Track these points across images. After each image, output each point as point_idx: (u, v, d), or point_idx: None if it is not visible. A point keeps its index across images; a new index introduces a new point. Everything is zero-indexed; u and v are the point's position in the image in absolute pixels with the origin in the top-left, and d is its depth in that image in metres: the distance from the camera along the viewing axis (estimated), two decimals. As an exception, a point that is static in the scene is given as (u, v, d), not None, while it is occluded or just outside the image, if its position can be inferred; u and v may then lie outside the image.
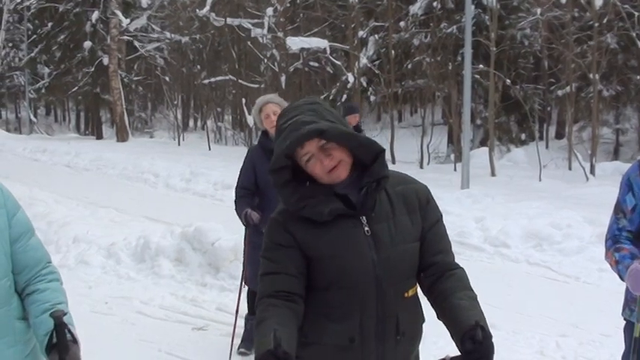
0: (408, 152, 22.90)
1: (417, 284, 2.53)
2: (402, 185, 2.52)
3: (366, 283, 2.38)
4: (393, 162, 21.58)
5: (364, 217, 2.40)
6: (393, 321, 2.43)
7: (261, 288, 2.43)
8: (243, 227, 5.93)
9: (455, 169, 19.81)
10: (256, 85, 28.29)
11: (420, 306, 2.57)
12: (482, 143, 23.33)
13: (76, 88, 32.69)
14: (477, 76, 21.92)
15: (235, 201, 5.83)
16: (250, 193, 5.76)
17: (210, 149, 26.75)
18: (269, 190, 5.53)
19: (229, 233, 8.63)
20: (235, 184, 5.88)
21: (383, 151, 2.43)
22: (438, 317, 2.45)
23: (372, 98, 26.15)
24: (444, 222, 2.58)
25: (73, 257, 9.27)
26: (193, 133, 39.03)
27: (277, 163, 2.37)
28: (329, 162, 2.36)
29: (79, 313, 7.08)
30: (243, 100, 27.15)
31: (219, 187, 15.69)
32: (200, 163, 19.40)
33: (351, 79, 24.14)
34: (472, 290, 2.42)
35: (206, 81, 32.32)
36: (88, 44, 31.52)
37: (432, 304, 2.49)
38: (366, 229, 2.40)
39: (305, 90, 31.70)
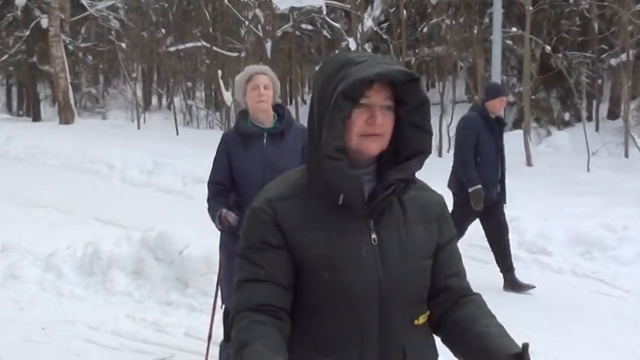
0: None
1: (429, 311, 2.52)
2: (415, 191, 2.51)
3: (367, 306, 2.35)
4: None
5: (371, 222, 2.39)
6: (399, 355, 2.41)
7: (238, 299, 2.39)
8: (219, 232, 5.87)
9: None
10: (235, 54, 27.97)
11: (433, 338, 2.56)
12: (516, 125, 23.24)
13: (6, 56, 32.47)
14: (509, 42, 21.87)
15: (208, 199, 5.85)
16: (226, 190, 5.80)
17: (177, 134, 26.60)
18: (248, 185, 5.54)
19: (201, 239, 8.54)
20: (208, 178, 5.90)
21: (429, 152, 2.45)
22: (455, 353, 2.45)
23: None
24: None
25: (0, 271, 9.15)
26: (157, 114, 38.91)
27: (351, 90, 2.30)
28: (381, 121, 2.35)
29: (7, 341, 6.98)
30: (219, 73, 26.30)
31: (189, 180, 15.74)
32: (165, 151, 19.30)
33: (352, 45, 23.47)
34: (496, 318, 2.44)
35: (172, 48, 32.13)
36: (21, 2, 31.32)
37: (443, 339, 2.50)
38: (373, 236, 2.38)
39: (296, 59, 31.58)
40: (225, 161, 5.81)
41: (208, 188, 5.90)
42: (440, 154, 21.02)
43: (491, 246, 9.09)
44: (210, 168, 5.92)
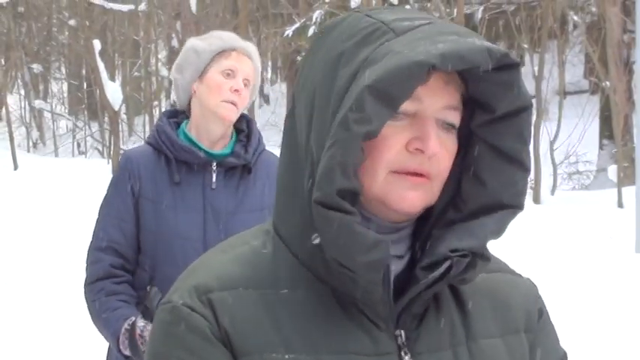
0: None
1: None
2: (486, 275, 1.65)
3: None
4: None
5: (402, 334, 1.53)
6: None
7: None
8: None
9: (620, 205, 13.39)
10: (127, 7, 20.16)
11: None
12: None
13: None
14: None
15: (90, 289, 3.42)
16: (127, 268, 3.45)
17: (16, 167, 19.35)
18: (175, 261, 3.32)
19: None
20: (89, 245, 3.52)
21: (521, 206, 1.57)
22: None
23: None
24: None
25: None
26: None
27: (390, 85, 1.40)
28: (436, 149, 1.47)
29: None
30: (97, 45, 17.40)
31: (37, 251, 11.26)
32: None
33: None
34: None
35: None
36: None
37: None
38: None
39: (246, 20, 20.17)
40: (128, 209, 3.45)
41: (90, 265, 3.46)
42: (537, 199, 14.34)
43: None
44: (96, 223, 3.53)
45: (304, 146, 1.53)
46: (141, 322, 3.23)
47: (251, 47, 3.61)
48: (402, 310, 1.54)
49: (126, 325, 3.25)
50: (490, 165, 1.54)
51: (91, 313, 3.42)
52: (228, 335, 1.51)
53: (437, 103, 1.47)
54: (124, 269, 3.42)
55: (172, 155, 3.41)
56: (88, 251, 3.47)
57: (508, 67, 1.45)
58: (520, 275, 1.76)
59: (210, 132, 3.45)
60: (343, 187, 1.42)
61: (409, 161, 1.47)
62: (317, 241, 1.48)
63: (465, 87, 1.51)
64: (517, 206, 1.54)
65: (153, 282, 3.39)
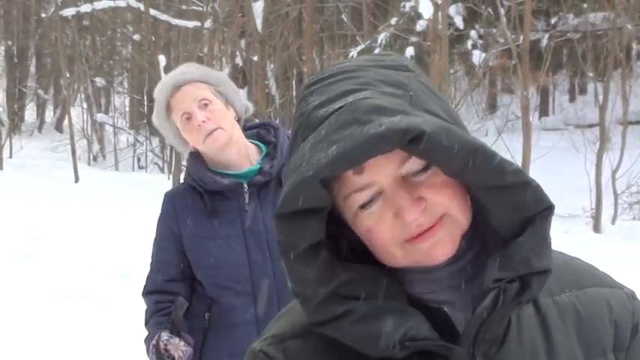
0: (568, 188, 14.81)
1: None
2: (575, 289, 1.59)
3: None
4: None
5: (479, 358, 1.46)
6: None
7: None
8: None
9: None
10: (192, 23, 20.38)
11: None
12: None
13: None
14: None
15: (147, 321, 3.57)
16: (172, 298, 3.49)
17: (77, 179, 19.91)
18: (222, 287, 3.41)
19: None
20: (144, 286, 3.62)
21: (550, 207, 1.44)
22: None
23: (477, 56, 16.54)
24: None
25: None
26: (34, 139, 29.39)
27: (297, 198, 1.38)
28: (417, 214, 1.40)
29: None
30: (162, 60, 17.92)
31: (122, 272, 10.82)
32: (54, 218, 13.88)
33: (426, 9, 14.41)
34: None
35: (67, 12, 22.49)
36: None
37: None
38: None
39: (311, 40, 18.60)
40: (172, 253, 3.48)
41: (147, 303, 3.57)
42: (597, 229, 14.12)
43: None
44: (150, 263, 3.58)
45: None
46: (165, 336, 3.27)
47: (186, 72, 3.44)
48: (474, 335, 1.46)
49: (153, 342, 3.31)
50: (491, 200, 1.45)
51: (146, 326, 3.52)
52: None
53: (387, 177, 1.41)
54: (171, 296, 3.44)
55: (203, 189, 3.38)
56: (143, 292, 3.55)
57: (415, 140, 1.33)
58: (620, 287, 1.65)
59: (225, 161, 3.38)
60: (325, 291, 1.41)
61: (408, 229, 1.41)
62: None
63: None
64: (543, 208, 1.45)
65: (210, 311, 3.40)
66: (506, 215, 1.44)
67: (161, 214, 3.50)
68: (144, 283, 3.55)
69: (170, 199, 3.48)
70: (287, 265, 1.43)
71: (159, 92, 3.40)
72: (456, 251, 1.44)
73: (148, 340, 3.38)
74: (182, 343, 3.26)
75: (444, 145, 1.34)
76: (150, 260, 3.54)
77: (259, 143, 3.47)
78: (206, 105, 3.29)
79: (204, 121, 3.26)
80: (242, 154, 3.37)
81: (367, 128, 1.32)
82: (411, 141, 1.32)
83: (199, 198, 3.38)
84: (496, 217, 1.45)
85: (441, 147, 1.34)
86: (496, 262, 1.44)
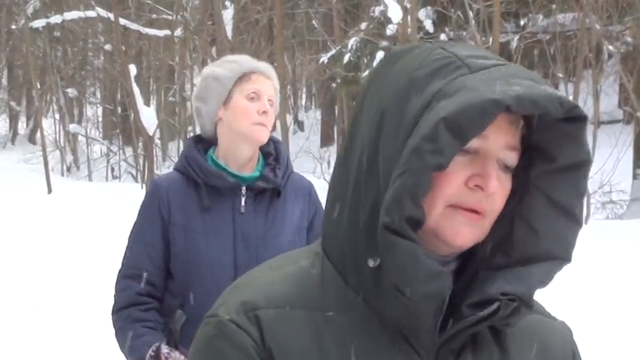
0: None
1: None
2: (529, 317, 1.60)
3: None
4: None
5: None
6: None
7: None
8: None
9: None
10: (162, 32, 20.02)
11: None
12: None
13: None
14: None
15: (118, 317, 3.39)
16: (154, 295, 3.39)
17: (50, 190, 19.43)
18: (206, 285, 3.30)
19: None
20: (118, 272, 3.46)
21: (568, 259, 1.53)
22: None
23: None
24: None
25: None
26: (7, 151, 29.99)
27: (464, 120, 1.38)
28: (495, 188, 1.45)
29: None
30: (132, 69, 16.73)
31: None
32: (26, 227, 14.28)
33: (395, 13, 14.26)
34: None
35: (38, 23, 22.24)
36: None
37: None
38: None
39: (282, 47, 17.83)
40: (157, 237, 3.38)
41: (118, 293, 3.41)
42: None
43: None
44: (125, 250, 3.46)
45: (365, 169, 1.49)
46: (165, 349, 3.19)
47: (269, 67, 3.57)
48: (442, 343, 1.51)
49: (150, 352, 3.19)
50: (545, 216, 1.51)
51: (117, 341, 3.35)
52: (272, 355, 1.47)
53: (500, 141, 1.46)
54: (151, 296, 3.35)
55: (201, 180, 3.34)
56: (117, 279, 3.41)
57: (576, 119, 1.44)
58: (555, 318, 1.72)
59: (239, 155, 3.37)
60: (411, 215, 1.40)
61: (468, 197, 1.45)
62: (373, 264, 1.45)
63: (527, 132, 1.50)
64: (566, 259, 1.52)
65: (183, 308, 3.31)
66: (544, 242, 1.50)
67: (148, 199, 3.43)
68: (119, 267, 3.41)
69: (159, 186, 3.44)
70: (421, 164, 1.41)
71: (246, 61, 3.49)
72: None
73: (132, 344, 3.25)
74: (182, 357, 3.17)
75: (580, 140, 1.46)
76: (127, 244, 3.44)
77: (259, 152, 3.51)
78: (271, 105, 3.40)
79: (265, 112, 3.35)
80: (253, 159, 3.41)
81: (544, 88, 1.40)
82: (567, 120, 1.43)
83: (193, 189, 3.36)
84: (537, 238, 1.51)
85: (577, 139, 1.45)
86: (505, 278, 1.49)
